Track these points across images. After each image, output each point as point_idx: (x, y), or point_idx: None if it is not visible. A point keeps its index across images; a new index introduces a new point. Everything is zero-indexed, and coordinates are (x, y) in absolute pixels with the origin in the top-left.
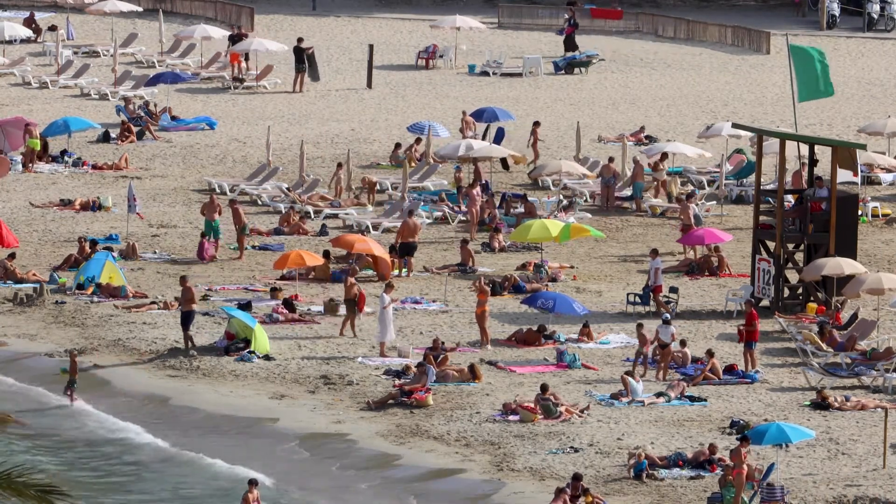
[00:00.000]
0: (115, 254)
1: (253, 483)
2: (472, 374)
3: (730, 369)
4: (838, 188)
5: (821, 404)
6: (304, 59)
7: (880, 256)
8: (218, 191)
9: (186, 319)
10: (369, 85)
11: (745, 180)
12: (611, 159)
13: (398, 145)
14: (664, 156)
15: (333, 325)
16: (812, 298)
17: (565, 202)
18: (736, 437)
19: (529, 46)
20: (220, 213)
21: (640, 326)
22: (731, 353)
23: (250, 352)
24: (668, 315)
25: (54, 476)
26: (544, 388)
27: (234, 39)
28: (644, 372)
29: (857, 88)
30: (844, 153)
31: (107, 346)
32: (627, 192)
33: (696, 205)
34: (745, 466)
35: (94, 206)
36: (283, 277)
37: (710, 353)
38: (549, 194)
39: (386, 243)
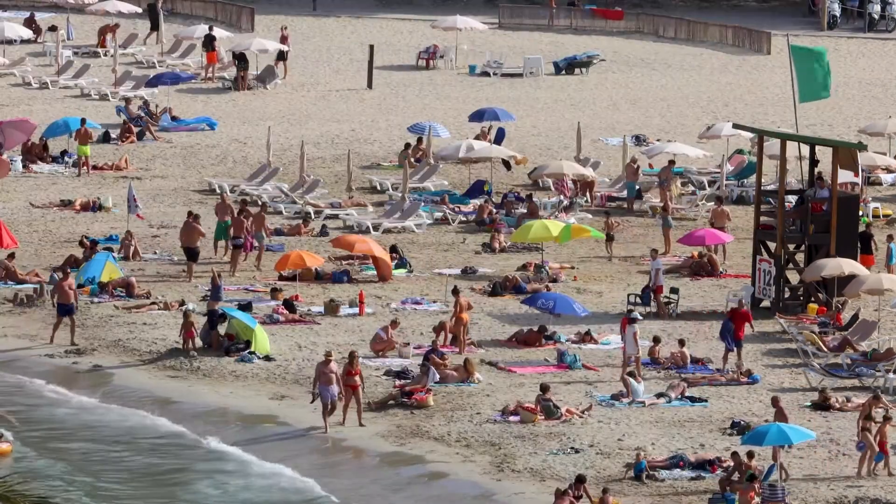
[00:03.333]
0: (116, 254)
1: None
2: (465, 368)
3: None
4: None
5: (822, 405)
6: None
7: (881, 257)
8: (218, 191)
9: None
10: (370, 85)
11: (745, 181)
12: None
13: (408, 145)
14: (671, 163)
15: (333, 326)
16: (813, 299)
17: (566, 203)
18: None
19: (530, 47)
20: (231, 214)
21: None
22: (731, 354)
23: (251, 352)
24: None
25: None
26: (545, 388)
27: (209, 39)
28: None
29: (857, 89)
30: (845, 154)
31: (107, 347)
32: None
33: (698, 205)
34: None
35: (94, 207)
36: (282, 277)
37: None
38: (550, 195)
39: (386, 244)
